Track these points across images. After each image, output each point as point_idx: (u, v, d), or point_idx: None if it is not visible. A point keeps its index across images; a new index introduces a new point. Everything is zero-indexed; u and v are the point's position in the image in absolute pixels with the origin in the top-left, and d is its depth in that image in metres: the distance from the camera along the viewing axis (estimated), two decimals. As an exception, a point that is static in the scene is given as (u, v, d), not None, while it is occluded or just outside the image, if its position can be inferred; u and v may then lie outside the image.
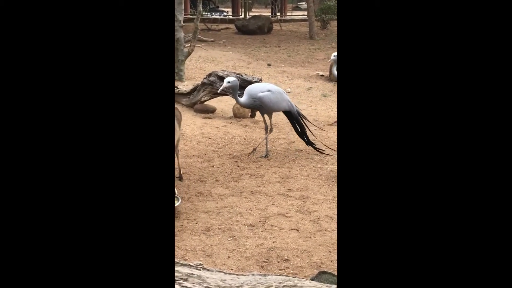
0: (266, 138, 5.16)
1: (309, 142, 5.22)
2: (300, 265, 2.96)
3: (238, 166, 4.79)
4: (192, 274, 1.79)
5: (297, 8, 32.50)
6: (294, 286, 1.74)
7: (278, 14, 24.60)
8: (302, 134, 5.24)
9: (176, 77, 8.87)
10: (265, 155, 5.08)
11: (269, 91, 5.01)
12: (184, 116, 6.40)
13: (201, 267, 1.85)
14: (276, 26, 19.16)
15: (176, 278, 1.76)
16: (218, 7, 28.97)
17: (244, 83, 6.02)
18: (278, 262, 2.99)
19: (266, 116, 5.16)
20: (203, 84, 6.90)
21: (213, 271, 1.86)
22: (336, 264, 2.79)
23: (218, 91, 5.78)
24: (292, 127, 5.38)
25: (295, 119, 5.23)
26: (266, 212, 3.72)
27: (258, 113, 6.25)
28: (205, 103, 6.96)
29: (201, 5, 9.95)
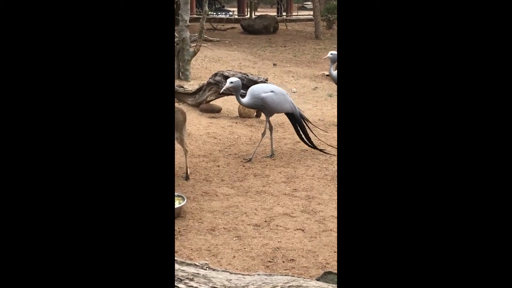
0: (271, 139, 5.15)
1: (311, 145, 5.21)
2: (305, 265, 2.96)
3: (244, 166, 4.80)
4: (198, 273, 1.80)
5: (303, 8, 32.46)
6: (299, 286, 1.74)
7: (284, 13, 24.60)
8: (304, 137, 5.22)
9: (182, 77, 8.89)
10: (271, 155, 5.08)
11: (272, 92, 4.99)
12: (189, 115, 6.41)
13: (207, 267, 1.85)
14: (282, 26, 19.15)
15: (182, 278, 1.76)
16: (224, 6, 28.99)
17: (249, 83, 6.02)
18: (283, 262, 2.99)
19: (268, 117, 5.14)
20: (208, 83, 6.91)
21: (218, 270, 1.86)
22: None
23: (221, 91, 5.78)
24: (294, 130, 5.37)
25: (297, 121, 5.21)
26: (271, 212, 3.72)
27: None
28: (211, 102, 6.97)
29: (207, 5, 9.96)
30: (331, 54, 6.50)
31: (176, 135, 4.22)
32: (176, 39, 8.89)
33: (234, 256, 3.05)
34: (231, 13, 25.72)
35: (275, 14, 24.17)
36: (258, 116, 6.72)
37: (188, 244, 3.19)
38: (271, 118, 5.17)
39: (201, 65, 10.75)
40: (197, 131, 5.87)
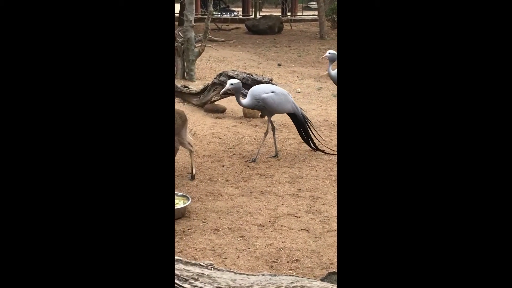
0: (274, 139, 5.15)
1: (313, 147, 5.20)
2: (309, 265, 2.97)
3: (248, 166, 4.80)
4: (202, 273, 1.80)
5: (308, 8, 32.41)
6: (304, 286, 1.74)
7: (289, 14, 24.58)
8: (306, 138, 5.22)
9: (186, 77, 8.90)
10: (275, 155, 5.08)
11: (272, 92, 4.98)
12: (194, 115, 6.43)
13: (211, 267, 1.86)
14: (286, 26, 19.13)
15: (186, 278, 1.77)
16: (228, 6, 28.99)
17: (254, 83, 6.03)
18: (287, 262, 3.00)
19: (270, 117, 5.14)
20: (213, 84, 6.92)
21: (223, 271, 1.87)
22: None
23: (221, 92, 5.78)
24: (297, 130, 5.36)
25: (299, 122, 5.20)
26: (275, 212, 3.72)
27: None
28: (215, 103, 6.98)
29: (211, 5, 9.97)
30: (330, 53, 6.45)
31: (175, 138, 4.22)
32: (181, 39, 8.90)
33: (238, 256, 3.06)
34: (235, 13, 25.72)
35: (280, 14, 24.15)
36: (262, 116, 6.72)
37: (193, 244, 3.20)
38: (274, 119, 5.16)
39: (206, 65, 10.76)
40: (201, 131, 5.88)
